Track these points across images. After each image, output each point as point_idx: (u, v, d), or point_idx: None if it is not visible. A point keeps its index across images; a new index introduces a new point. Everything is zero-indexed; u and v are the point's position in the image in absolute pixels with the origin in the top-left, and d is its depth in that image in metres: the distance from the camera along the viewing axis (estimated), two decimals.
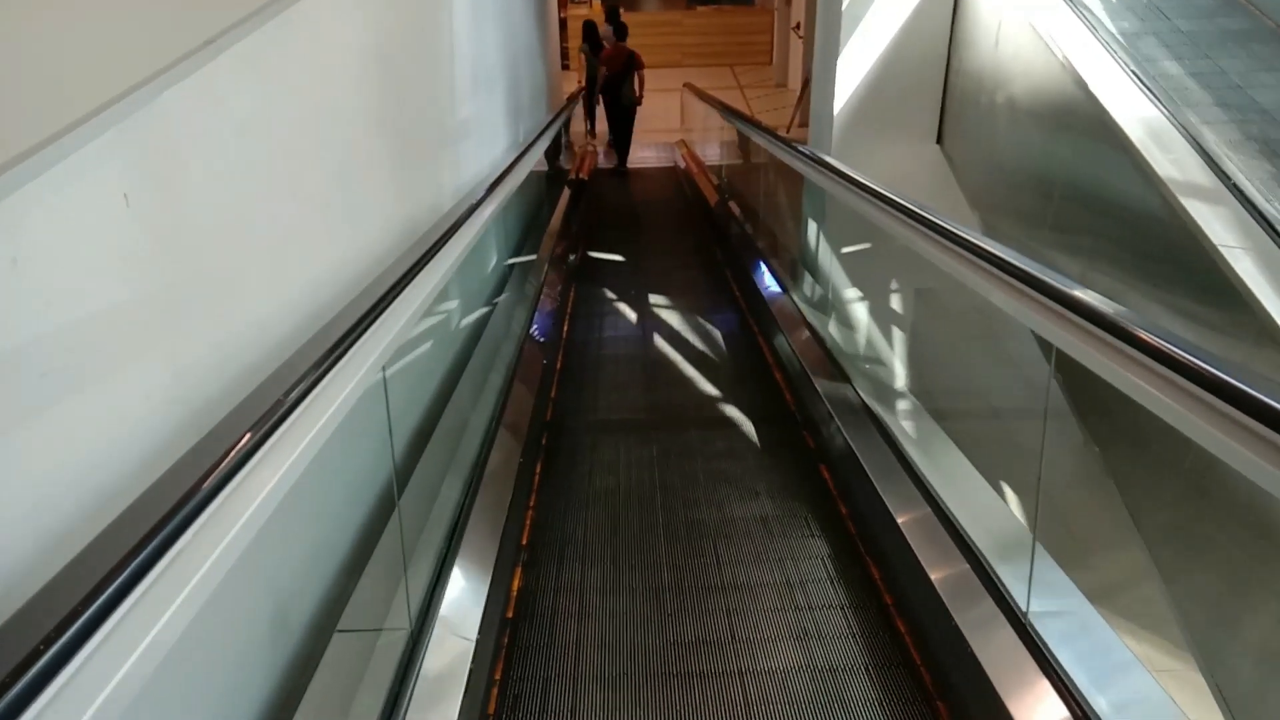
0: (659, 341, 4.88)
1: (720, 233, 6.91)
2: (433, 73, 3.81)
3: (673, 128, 13.51)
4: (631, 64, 10.50)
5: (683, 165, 10.98)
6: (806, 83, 13.04)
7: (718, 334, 4.99)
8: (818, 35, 5.17)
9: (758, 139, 5.07)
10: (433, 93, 3.82)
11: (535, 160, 5.46)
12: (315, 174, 2.33)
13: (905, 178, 4.76)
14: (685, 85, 11.86)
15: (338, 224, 2.53)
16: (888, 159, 4.79)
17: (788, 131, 12.47)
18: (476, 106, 4.88)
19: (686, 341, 4.82)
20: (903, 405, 3.38)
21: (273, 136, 2.02)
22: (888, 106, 4.75)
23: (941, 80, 4.69)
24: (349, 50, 2.67)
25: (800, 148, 4.29)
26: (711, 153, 9.73)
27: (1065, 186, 3.72)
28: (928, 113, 4.77)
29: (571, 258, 6.34)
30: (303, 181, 2.23)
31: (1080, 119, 3.59)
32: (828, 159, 3.92)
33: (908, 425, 3.15)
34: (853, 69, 4.64)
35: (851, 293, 4.28)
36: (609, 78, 10.61)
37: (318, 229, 2.35)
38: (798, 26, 14.89)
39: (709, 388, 4.29)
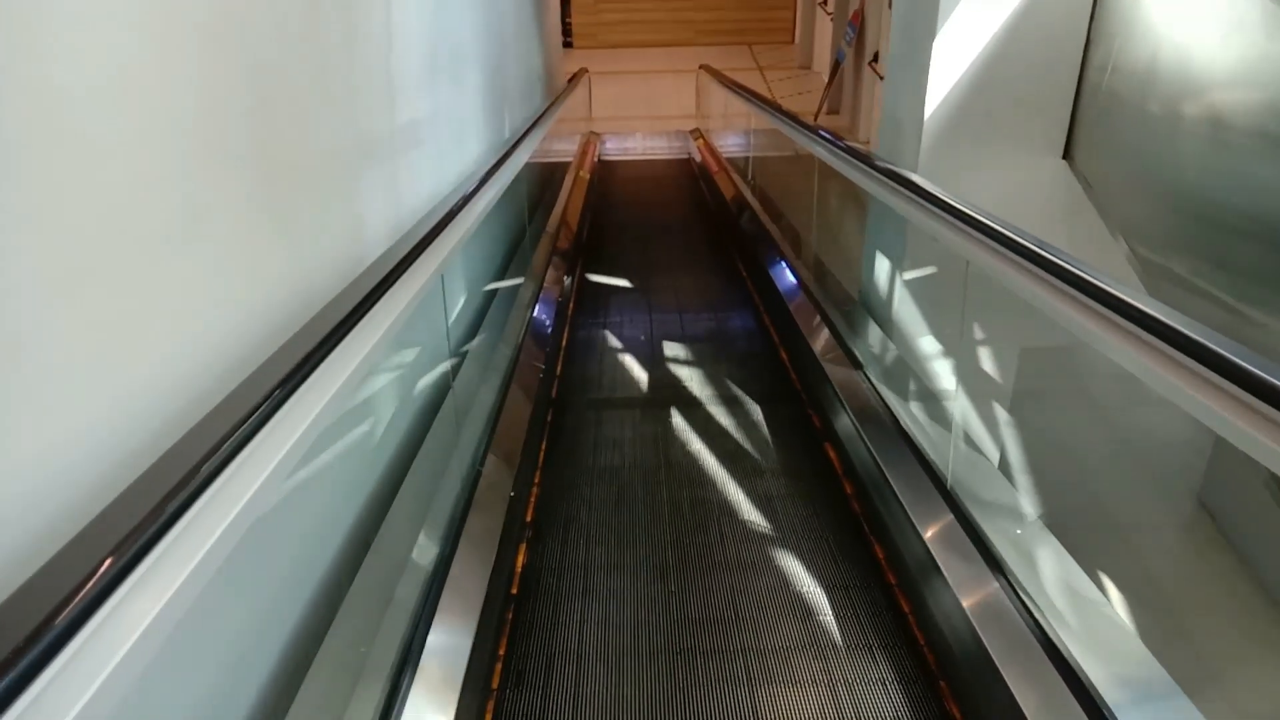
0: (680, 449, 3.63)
1: (749, 254, 5.65)
2: (346, 58, 2.55)
3: (686, 113, 12.18)
4: None
5: (698, 159, 9.68)
6: (837, 66, 11.70)
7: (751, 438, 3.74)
8: (897, 11, 3.86)
9: (816, 149, 3.79)
10: (347, 87, 2.56)
11: (521, 163, 4.20)
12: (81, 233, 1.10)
13: (1019, 202, 3.50)
14: (702, 67, 10.52)
15: (128, 332, 1.30)
16: (993, 178, 3.53)
17: (815, 120, 11.14)
18: (435, 101, 3.61)
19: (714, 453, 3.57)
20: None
21: None
22: (997, 111, 3.47)
23: (1074, 79, 3.40)
24: (144, 22, 1.42)
25: (880, 163, 3.03)
26: (733, 144, 8.43)
27: None
28: (1052, 120, 3.49)
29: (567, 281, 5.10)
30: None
31: None
32: (918, 180, 2.68)
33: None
34: (952, 60, 3.36)
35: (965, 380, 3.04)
36: None
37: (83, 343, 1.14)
38: (825, 2, 13.51)
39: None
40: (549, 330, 4.12)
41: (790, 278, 4.49)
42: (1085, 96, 3.39)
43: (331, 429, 1.58)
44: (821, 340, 3.78)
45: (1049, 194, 3.59)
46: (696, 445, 3.40)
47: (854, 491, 3.02)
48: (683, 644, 2.30)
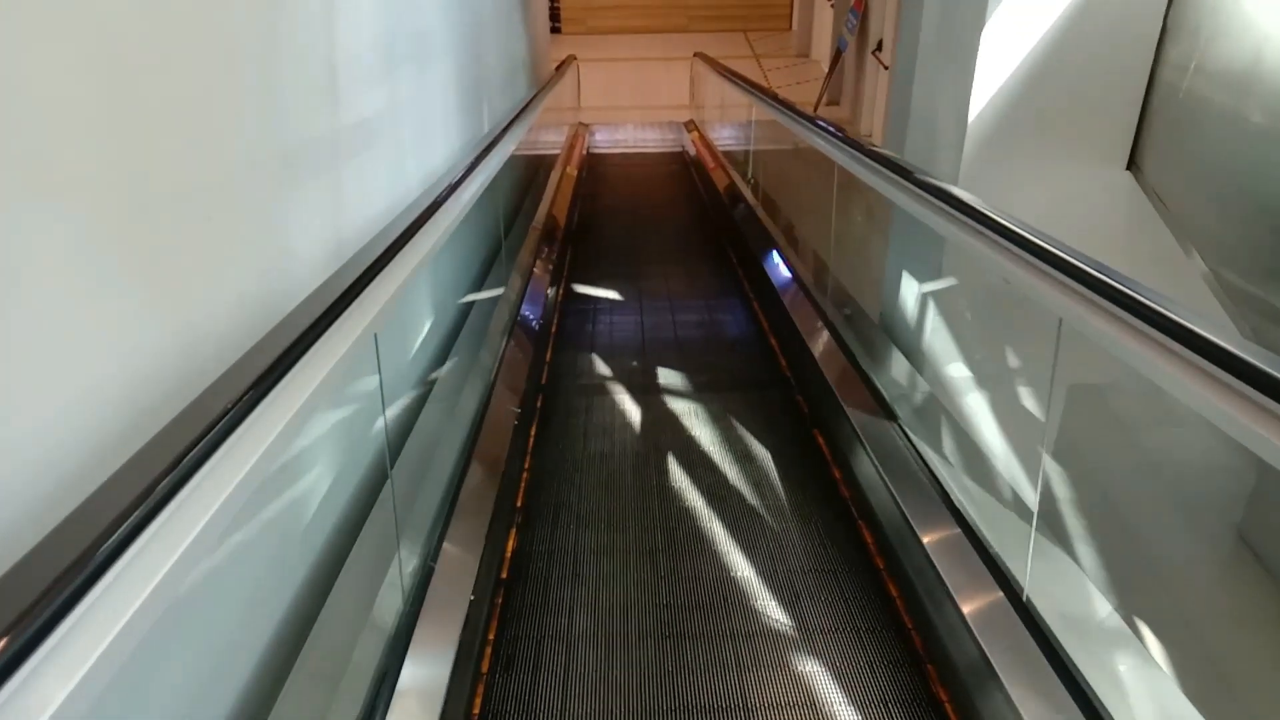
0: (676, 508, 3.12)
1: (748, 256, 5.13)
2: (264, 40, 2.02)
3: (679, 103, 11.62)
4: None
5: (692, 152, 9.15)
6: (838, 55, 11.16)
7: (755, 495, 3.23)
8: None
9: (837, 155, 3.27)
10: (266, 79, 2.03)
11: (497, 167, 3.67)
12: None
13: (1073, 217, 3.00)
14: (697, 55, 9.98)
15: None
16: (1045, 190, 3.03)
17: (814, 111, 10.60)
18: (393, 95, 3.07)
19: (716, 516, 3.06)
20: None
21: None
22: (1051, 113, 2.97)
23: (1144, 79, 2.90)
24: None
25: (921, 176, 2.52)
26: (730, 139, 7.90)
27: None
28: (1115, 125, 2.99)
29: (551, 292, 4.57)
30: None
31: None
32: (961, 195, 2.19)
33: None
34: (1003, 52, 2.85)
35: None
36: None
37: None
38: None
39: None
40: (526, 369, 3.60)
41: (801, 296, 3.98)
42: (1157, 99, 2.89)
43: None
44: (849, 383, 3.26)
45: (1109, 208, 3.09)
46: (704, 525, 2.88)
47: (903, 603, 2.49)
48: None
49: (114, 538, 0.87)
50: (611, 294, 5.11)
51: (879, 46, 9.87)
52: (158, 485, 0.95)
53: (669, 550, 2.68)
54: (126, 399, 1.36)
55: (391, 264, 1.95)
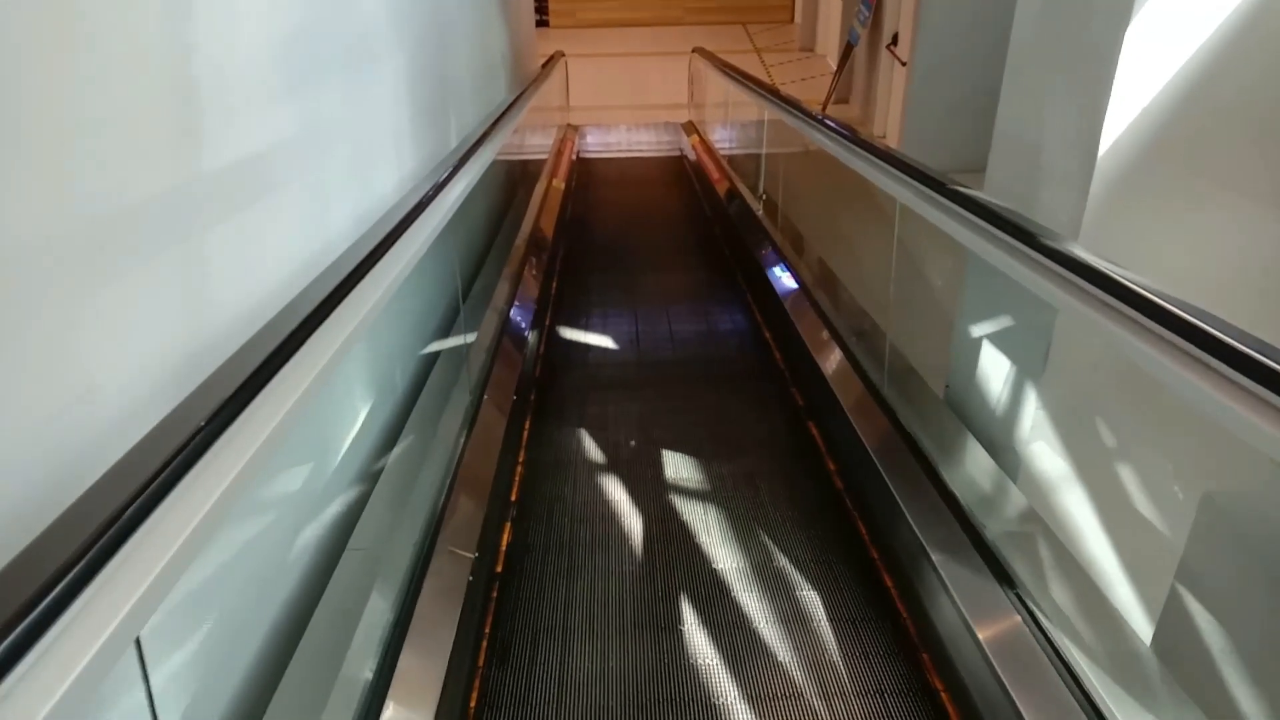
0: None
1: (757, 278, 4.31)
2: (46, 57, 1.20)
3: (675, 102, 10.78)
4: None
5: (693, 157, 8.32)
6: (849, 49, 10.33)
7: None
8: None
9: (899, 190, 2.45)
10: (51, 116, 1.21)
11: (455, 200, 2.86)
12: None
13: (1234, 272, 2.22)
14: (696, 50, 9.15)
15: None
16: (1195, 239, 2.23)
17: (823, 111, 9.77)
18: (307, 117, 2.24)
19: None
20: None
21: None
22: (1204, 142, 2.16)
23: None
24: None
25: (1044, 236, 1.73)
26: (737, 146, 7.09)
27: None
28: None
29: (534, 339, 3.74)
30: None
31: None
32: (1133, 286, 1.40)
33: None
34: (1153, 63, 2.04)
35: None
36: None
37: None
38: None
39: None
40: (496, 457, 2.78)
41: (845, 365, 3.16)
42: None
43: None
44: (928, 510, 2.45)
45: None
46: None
47: None
48: None
49: None
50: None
51: (894, 40, 9.05)
52: None
53: None
54: None
55: (259, 402, 1.16)
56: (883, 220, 3.07)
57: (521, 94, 5.09)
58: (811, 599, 2.39)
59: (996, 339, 2.47)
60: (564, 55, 9.02)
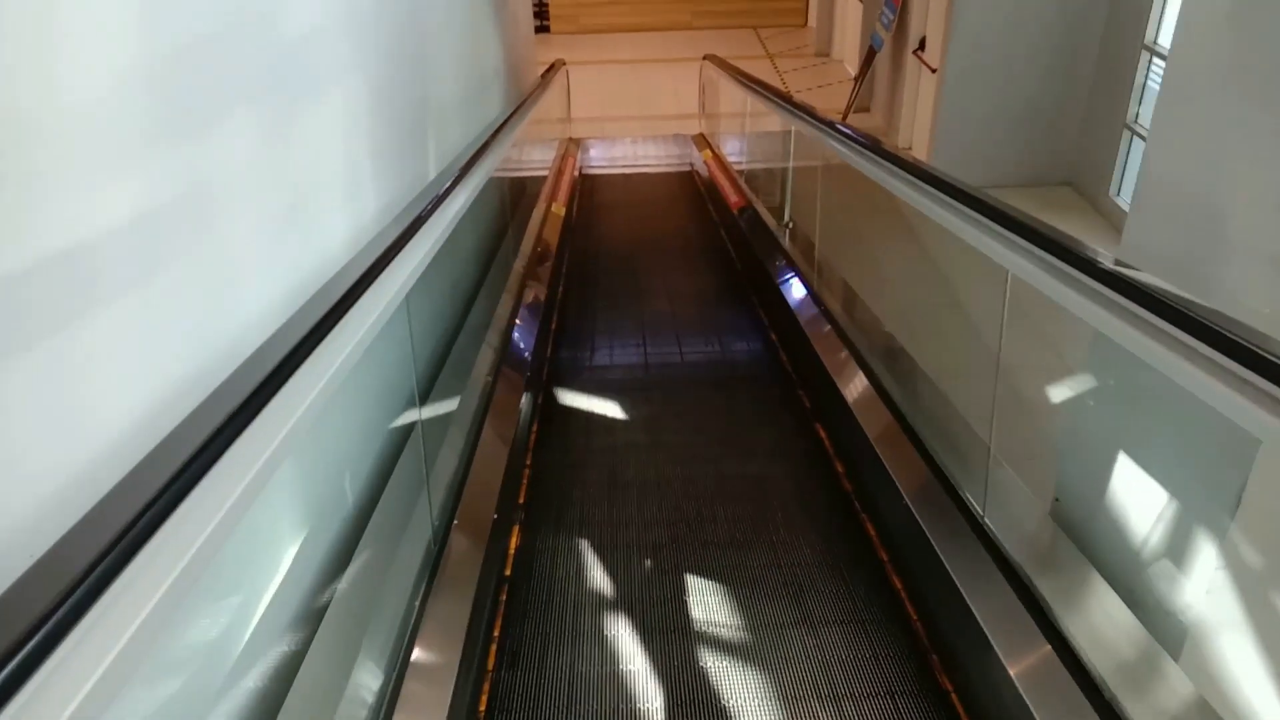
0: None
1: (794, 338, 3.65)
2: None
3: (685, 113, 10.13)
4: None
5: (705, 174, 7.67)
6: (871, 55, 9.67)
7: None
8: None
9: (1011, 258, 1.79)
10: None
11: (427, 253, 2.22)
12: None
13: None
14: (707, 58, 8.50)
15: None
16: None
17: (844, 119, 9.09)
18: (186, 174, 1.59)
19: None
20: None
21: None
22: None
23: None
24: None
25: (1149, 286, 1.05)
26: (754, 164, 6.44)
27: None
28: None
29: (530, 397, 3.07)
30: None
31: None
32: None
33: None
34: None
35: None
36: None
37: None
38: None
39: None
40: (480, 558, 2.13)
41: (926, 477, 2.48)
42: None
43: None
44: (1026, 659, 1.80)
45: None
46: None
47: None
48: None
49: None
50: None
51: (922, 45, 8.39)
52: None
53: None
54: None
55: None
56: (966, 273, 2.41)
57: (515, 111, 4.45)
58: None
59: (1151, 459, 1.81)
60: (565, 64, 8.38)
